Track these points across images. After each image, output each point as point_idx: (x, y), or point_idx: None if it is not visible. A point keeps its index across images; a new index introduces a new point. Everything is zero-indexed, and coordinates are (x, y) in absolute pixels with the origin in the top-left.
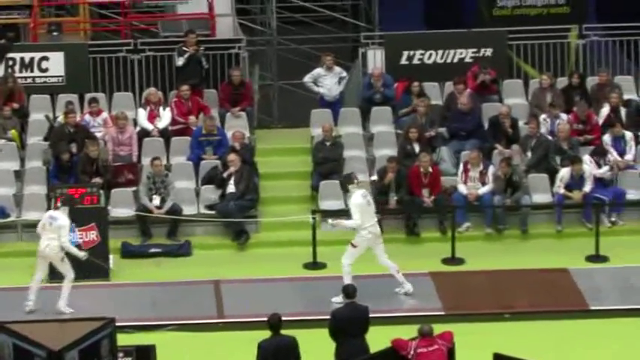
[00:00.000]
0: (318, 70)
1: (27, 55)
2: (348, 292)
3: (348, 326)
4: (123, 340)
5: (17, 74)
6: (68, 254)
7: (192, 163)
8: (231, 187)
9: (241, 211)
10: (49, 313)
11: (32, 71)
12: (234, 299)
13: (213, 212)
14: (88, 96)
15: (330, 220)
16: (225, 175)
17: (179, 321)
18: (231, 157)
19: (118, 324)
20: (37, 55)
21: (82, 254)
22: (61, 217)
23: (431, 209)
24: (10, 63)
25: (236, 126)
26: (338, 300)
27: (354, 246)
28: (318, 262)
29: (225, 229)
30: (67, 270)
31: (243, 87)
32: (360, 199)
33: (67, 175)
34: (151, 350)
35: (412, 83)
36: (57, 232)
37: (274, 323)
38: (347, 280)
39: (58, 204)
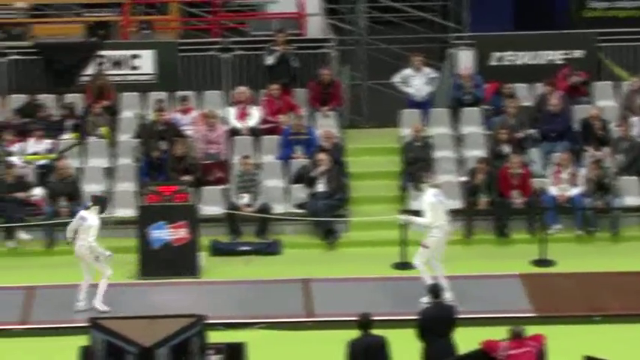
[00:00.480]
0: (408, 71)
1: (118, 53)
2: (435, 291)
3: (435, 325)
4: (212, 337)
5: (108, 72)
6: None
7: (282, 161)
8: (320, 186)
9: (330, 210)
10: (138, 310)
11: (123, 69)
12: (324, 298)
13: (302, 211)
14: (178, 94)
15: (401, 216)
16: (314, 174)
17: (268, 319)
18: (321, 156)
19: (207, 321)
20: (128, 53)
21: (107, 253)
22: (91, 217)
23: (521, 211)
24: (101, 61)
25: (325, 125)
26: (426, 300)
27: (425, 246)
28: (406, 262)
29: (315, 228)
30: (103, 268)
31: (333, 86)
32: (431, 198)
33: (157, 173)
34: (242, 348)
35: (503, 85)
36: (87, 232)
37: (364, 322)
38: (427, 281)
39: (89, 204)
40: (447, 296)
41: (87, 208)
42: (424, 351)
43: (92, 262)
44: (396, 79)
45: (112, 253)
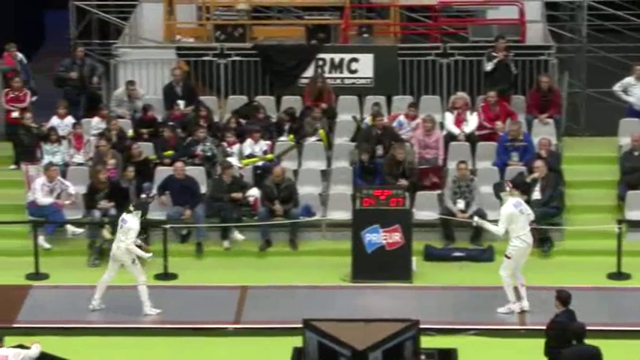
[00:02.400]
0: (629, 79)
1: (337, 56)
2: (563, 298)
3: None
4: (424, 342)
5: (327, 75)
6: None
7: (498, 168)
8: (536, 194)
9: (546, 218)
10: (351, 312)
11: (341, 72)
12: (538, 306)
13: None
14: (395, 98)
15: (475, 218)
16: (529, 179)
17: (481, 326)
18: (538, 163)
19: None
20: (347, 57)
21: (147, 255)
22: (131, 220)
23: None
24: (320, 63)
25: (543, 133)
26: (503, 310)
27: (507, 257)
28: (622, 272)
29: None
30: (138, 273)
31: (552, 94)
32: (510, 209)
33: (372, 177)
34: (453, 354)
35: None
36: (125, 235)
37: (580, 332)
38: (508, 292)
39: (131, 207)
40: (525, 305)
41: (129, 211)
42: None
43: (127, 266)
44: (617, 87)
45: (152, 254)
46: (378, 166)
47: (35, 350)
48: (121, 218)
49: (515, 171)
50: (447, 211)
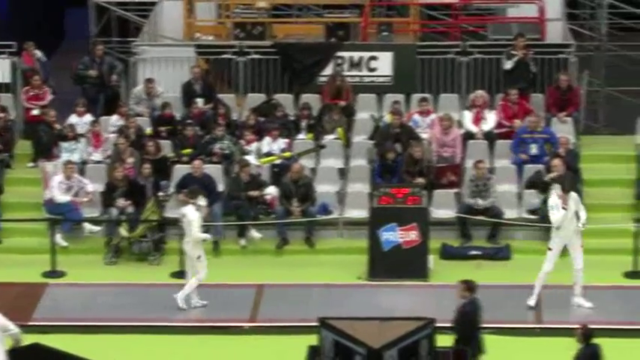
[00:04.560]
0: None
1: (356, 54)
2: (471, 286)
3: None
4: (440, 341)
5: (346, 73)
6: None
7: (516, 166)
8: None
9: None
10: (367, 311)
11: (360, 70)
12: (552, 305)
13: (534, 217)
14: (415, 96)
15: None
16: (547, 178)
17: (497, 324)
18: (555, 162)
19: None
20: (366, 55)
21: (207, 236)
22: (190, 212)
23: None
24: (339, 61)
25: (562, 131)
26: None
27: (549, 249)
28: (639, 271)
29: (546, 234)
30: (200, 267)
31: (571, 92)
32: (557, 200)
33: (391, 175)
34: (467, 353)
35: None
36: (189, 228)
37: (588, 334)
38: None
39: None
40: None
41: (186, 203)
42: None
43: (192, 260)
44: None
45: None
46: (399, 165)
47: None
48: (179, 213)
49: (533, 169)
50: (464, 210)
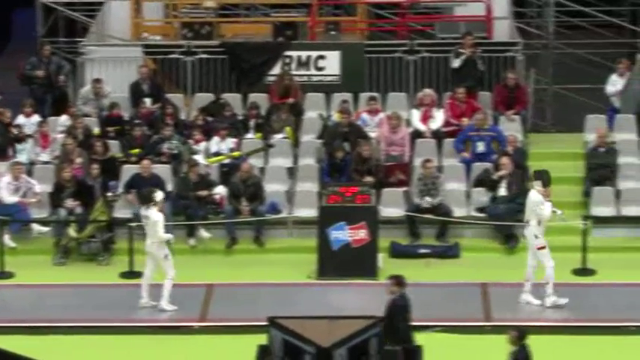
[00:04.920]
0: (612, 77)
1: (304, 54)
2: (400, 281)
3: None
4: None
5: (294, 72)
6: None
7: (464, 164)
8: (502, 190)
9: (511, 214)
10: (316, 310)
11: (308, 69)
12: (502, 303)
13: (483, 215)
14: (363, 95)
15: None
16: (495, 177)
17: (446, 322)
18: (504, 160)
19: None
20: (314, 54)
21: (170, 236)
22: (153, 213)
23: None
24: (287, 61)
25: (510, 129)
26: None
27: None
28: (587, 268)
29: (495, 232)
30: (167, 267)
31: (519, 90)
32: (539, 196)
33: (339, 174)
34: (418, 351)
35: None
36: (154, 229)
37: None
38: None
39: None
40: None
41: (146, 206)
42: None
43: (160, 261)
44: (609, 88)
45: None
46: (347, 164)
47: None
48: (142, 215)
49: (481, 167)
50: (413, 208)
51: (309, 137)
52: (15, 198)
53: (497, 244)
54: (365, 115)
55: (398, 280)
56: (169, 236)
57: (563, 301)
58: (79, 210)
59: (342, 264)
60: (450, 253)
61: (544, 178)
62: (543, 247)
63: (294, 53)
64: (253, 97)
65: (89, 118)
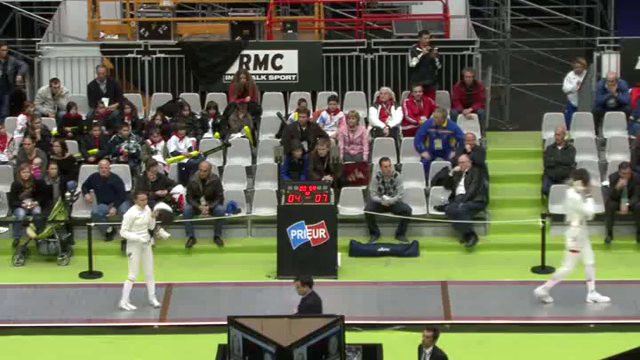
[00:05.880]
0: (569, 75)
1: (261, 53)
2: (307, 281)
3: None
4: (349, 338)
5: (251, 71)
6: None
7: (423, 162)
8: (460, 189)
9: (470, 212)
10: (276, 309)
11: (266, 68)
12: (462, 300)
13: (442, 213)
14: (321, 94)
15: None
16: (451, 172)
17: (406, 321)
18: (462, 158)
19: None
20: (272, 53)
21: (135, 237)
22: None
23: None
24: (245, 60)
25: (467, 127)
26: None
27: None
28: (546, 266)
29: (454, 230)
30: (129, 267)
31: (476, 88)
32: (577, 195)
33: (298, 173)
34: (378, 349)
35: None
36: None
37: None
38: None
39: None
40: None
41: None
42: None
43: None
44: (565, 85)
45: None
46: (306, 163)
47: None
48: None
49: (440, 166)
50: (372, 207)
51: (267, 136)
52: None
53: (456, 243)
54: (324, 114)
55: (303, 281)
56: (132, 236)
57: (549, 299)
58: (37, 210)
59: (301, 263)
60: (409, 251)
61: (584, 176)
62: (575, 251)
63: (251, 52)
64: (211, 96)
65: (47, 118)
